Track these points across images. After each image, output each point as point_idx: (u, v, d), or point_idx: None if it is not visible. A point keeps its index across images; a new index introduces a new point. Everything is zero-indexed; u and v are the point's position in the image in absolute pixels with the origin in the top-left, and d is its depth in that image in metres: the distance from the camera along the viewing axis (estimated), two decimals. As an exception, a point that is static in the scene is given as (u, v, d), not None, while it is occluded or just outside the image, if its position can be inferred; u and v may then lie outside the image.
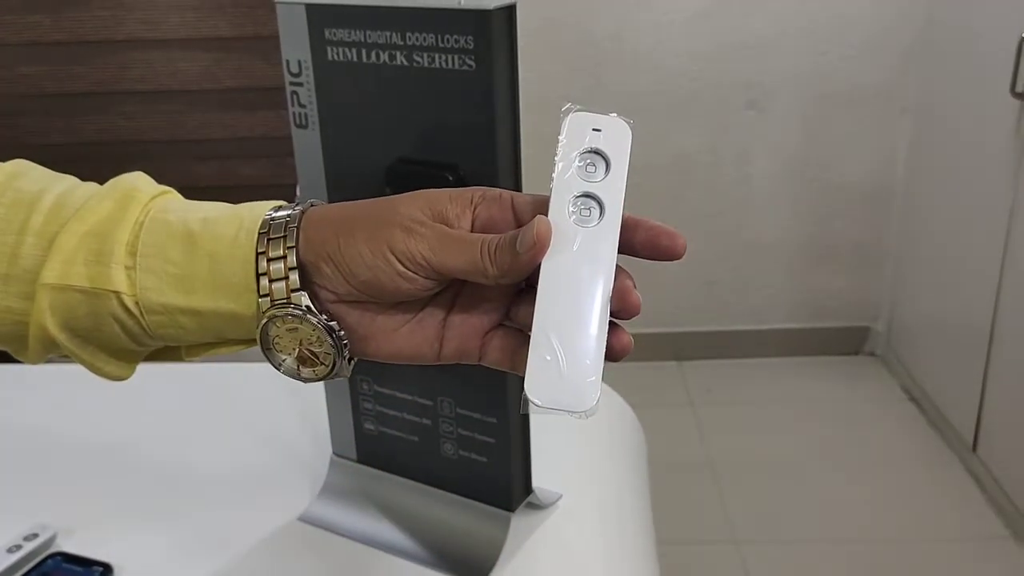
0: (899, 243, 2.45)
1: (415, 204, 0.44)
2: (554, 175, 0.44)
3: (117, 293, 0.45)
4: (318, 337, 0.45)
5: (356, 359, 0.47)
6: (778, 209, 2.46)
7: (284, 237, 0.45)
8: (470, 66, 0.60)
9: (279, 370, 0.47)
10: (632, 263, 0.45)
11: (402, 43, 0.62)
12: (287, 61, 0.68)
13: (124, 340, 0.47)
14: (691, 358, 2.58)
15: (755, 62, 2.30)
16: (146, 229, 0.46)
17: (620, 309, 0.43)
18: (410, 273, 0.43)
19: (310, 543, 0.79)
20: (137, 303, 0.45)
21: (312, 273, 0.45)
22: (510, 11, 0.59)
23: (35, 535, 0.76)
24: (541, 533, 0.78)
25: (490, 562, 0.74)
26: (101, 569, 0.74)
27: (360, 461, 0.82)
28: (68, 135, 2.24)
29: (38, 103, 2.21)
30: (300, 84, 0.68)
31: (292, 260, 0.44)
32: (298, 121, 0.70)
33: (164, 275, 0.45)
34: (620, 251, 0.43)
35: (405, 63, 0.63)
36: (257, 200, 0.48)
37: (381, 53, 0.63)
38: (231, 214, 0.47)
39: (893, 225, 2.46)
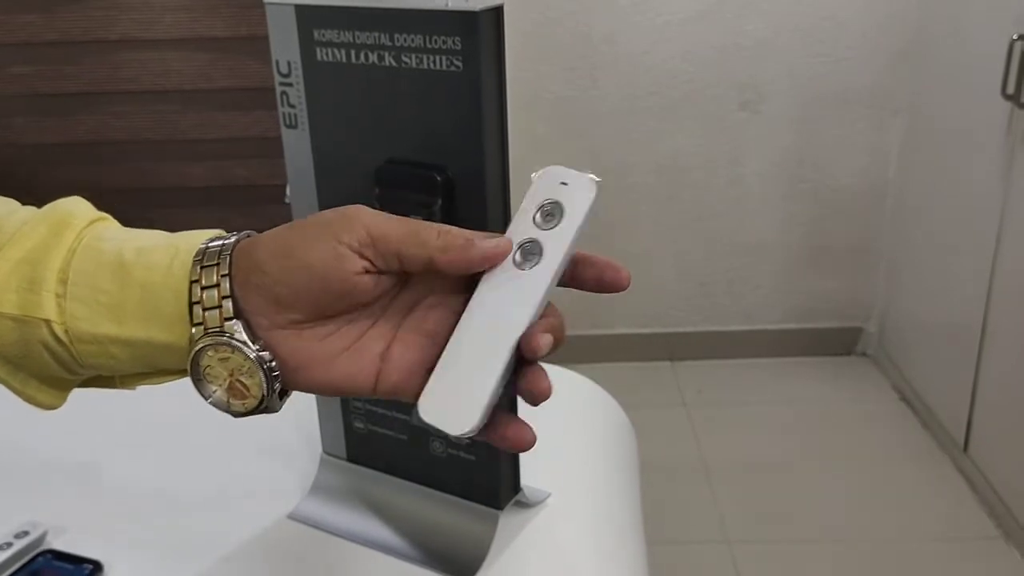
0: (891, 244, 2.46)
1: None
2: (513, 219, 0.47)
3: (47, 321, 0.45)
4: (249, 367, 0.44)
5: (288, 392, 0.47)
6: (771, 210, 2.47)
7: (217, 265, 0.44)
8: (458, 67, 0.61)
9: (208, 401, 0.46)
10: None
11: (390, 44, 0.63)
12: (276, 61, 0.68)
13: (55, 368, 0.46)
14: (684, 358, 2.58)
15: (749, 64, 2.31)
16: (78, 256, 0.45)
17: (524, 349, 0.44)
18: (350, 253, 0.44)
19: (300, 541, 0.79)
20: (67, 331, 0.45)
21: (246, 300, 0.44)
22: (497, 12, 0.60)
23: (25, 533, 0.77)
24: (529, 532, 0.78)
25: (478, 560, 0.74)
26: (91, 567, 0.74)
27: (350, 459, 0.83)
28: (61, 135, 2.24)
29: (31, 103, 2.21)
30: (290, 84, 0.68)
31: (226, 288, 0.44)
32: (288, 121, 0.70)
33: (95, 304, 0.45)
34: (571, 286, 0.46)
35: (394, 64, 0.63)
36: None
37: (370, 54, 0.64)
38: (167, 243, 0.46)
39: (885, 226, 2.47)
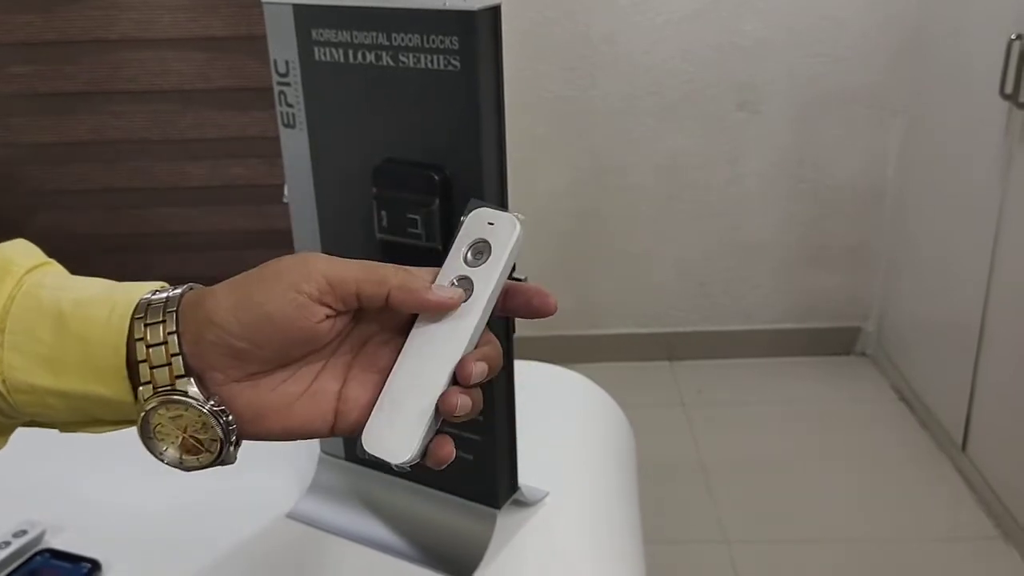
0: (890, 243, 2.46)
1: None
2: (446, 258, 0.49)
3: None
4: (204, 423, 0.44)
5: (240, 442, 0.47)
6: (770, 210, 2.47)
7: (163, 322, 0.44)
8: (455, 66, 0.61)
9: (162, 461, 0.46)
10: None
11: (388, 43, 0.63)
12: (275, 61, 0.68)
13: None
14: (683, 358, 2.58)
15: (748, 64, 2.31)
16: (17, 304, 0.45)
17: (458, 376, 0.46)
18: (310, 303, 0.44)
19: (298, 540, 0.79)
20: (3, 381, 0.44)
21: (200, 357, 0.44)
22: (495, 12, 0.60)
23: (24, 531, 0.77)
24: (527, 531, 0.78)
25: (476, 559, 0.74)
26: (89, 566, 0.74)
27: (348, 459, 0.83)
28: (60, 135, 2.24)
29: (30, 103, 2.21)
30: (287, 84, 0.68)
31: (174, 345, 0.43)
32: (286, 121, 0.70)
33: (32, 355, 0.44)
34: (504, 314, 0.49)
35: (391, 63, 0.63)
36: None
37: (367, 54, 0.64)
38: (105, 296, 0.45)
39: (884, 226, 2.47)
